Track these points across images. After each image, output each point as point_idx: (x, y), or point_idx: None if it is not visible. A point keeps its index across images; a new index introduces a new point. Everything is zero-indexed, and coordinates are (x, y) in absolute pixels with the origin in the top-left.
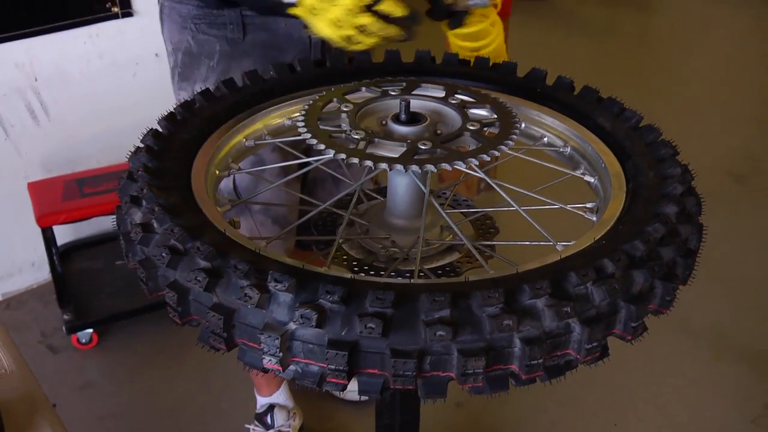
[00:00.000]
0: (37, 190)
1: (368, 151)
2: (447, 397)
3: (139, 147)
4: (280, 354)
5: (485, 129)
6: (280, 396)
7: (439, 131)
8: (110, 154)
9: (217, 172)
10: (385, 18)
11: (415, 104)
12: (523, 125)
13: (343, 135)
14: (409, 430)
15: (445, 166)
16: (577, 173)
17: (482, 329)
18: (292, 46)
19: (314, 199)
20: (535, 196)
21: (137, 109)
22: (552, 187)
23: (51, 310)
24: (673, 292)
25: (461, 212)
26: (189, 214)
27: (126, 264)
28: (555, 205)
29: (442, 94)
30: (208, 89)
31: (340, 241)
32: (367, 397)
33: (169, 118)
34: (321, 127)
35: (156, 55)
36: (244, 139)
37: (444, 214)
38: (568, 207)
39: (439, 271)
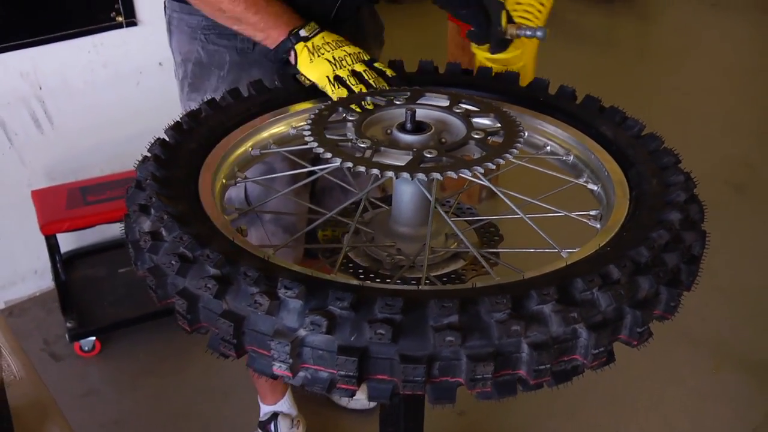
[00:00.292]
0: (40, 198)
1: (374, 159)
2: (453, 403)
3: (146, 156)
4: (290, 360)
5: (489, 138)
6: (284, 404)
7: (443, 140)
8: (113, 162)
9: (224, 180)
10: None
11: (420, 113)
12: (526, 134)
13: (349, 144)
14: None
15: (451, 174)
16: (580, 181)
17: (490, 335)
18: None
19: (322, 208)
20: (538, 203)
21: (141, 118)
22: (554, 195)
23: (54, 318)
24: (677, 298)
25: (465, 220)
26: (197, 223)
27: (134, 272)
28: (559, 212)
29: (446, 103)
30: (213, 99)
31: (347, 249)
32: (370, 406)
33: (175, 128)
34: (327, 136)
35: (160, 64)
36: (250, 148)
37: (450, 222)
38: (573, 215)
39: (445, 279)
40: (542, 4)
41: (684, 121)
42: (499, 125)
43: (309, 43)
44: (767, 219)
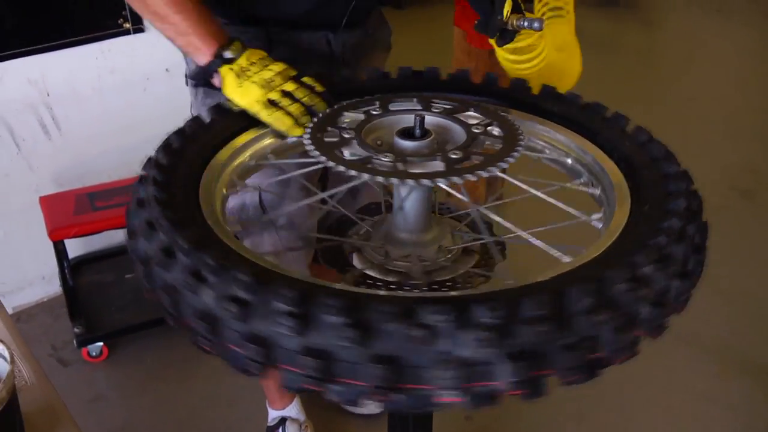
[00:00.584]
0: (48, 204)
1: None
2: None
3: (143, 176)
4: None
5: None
6: (293, 409)
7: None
8: (121, 168)
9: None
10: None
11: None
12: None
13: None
14: None
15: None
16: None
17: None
18: (314, 60)
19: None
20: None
21: (148, 124)
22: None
23: (61, 324)
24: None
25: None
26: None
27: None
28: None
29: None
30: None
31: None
32: (377, 411)
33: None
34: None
35: (167, 70)
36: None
37: (498, 215)
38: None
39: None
40: None
41: (689, 127)
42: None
43: (235, 65)
44: None
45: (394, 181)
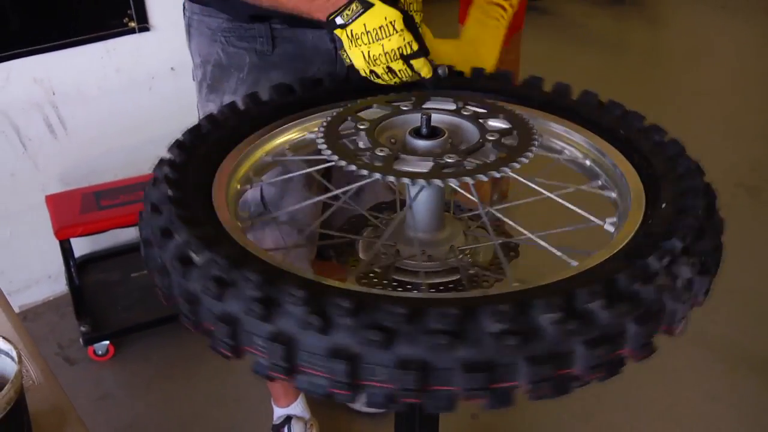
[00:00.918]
0: (54, 202)
1: (395, 167)
2: (460, 409)
3: (156, 178)
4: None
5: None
6: (298, 407)
7: (458, 144)
8: (127, 167)
9: (238, 186)
10: (413, 69)
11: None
12: (541, 138)
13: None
14: None
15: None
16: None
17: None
18: (318, 57)
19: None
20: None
21: (153, 123)
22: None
23: (67, 322)
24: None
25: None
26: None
27: (148, 277)
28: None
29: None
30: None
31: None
32: (383, 409)
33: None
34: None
35: (172, 69)
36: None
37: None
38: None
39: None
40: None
41: (695, 124)
42: (511, 126)
43: (347, 30)
44: None
45: (406, 181)
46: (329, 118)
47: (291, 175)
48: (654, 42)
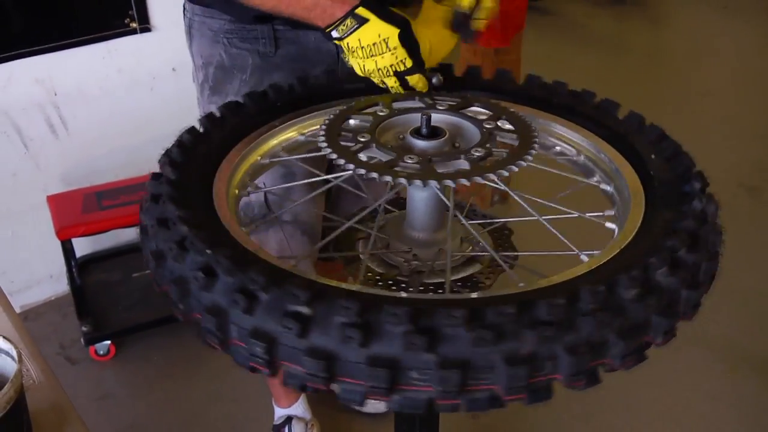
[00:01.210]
0: (56, 202)
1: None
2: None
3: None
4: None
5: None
6: (299, 408)
7: (457, 144)
8: (128, 167)
9: (237, 191)
10: (407, 85)
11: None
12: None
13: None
14: None
15: (463, 181)
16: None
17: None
18: (320, 58)
19: (338, 209)
20: (553, 205)
21: (155, 123)
22: (567, 197)
23: (69, 322)
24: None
25: (479, 223)
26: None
27: (149, 276)
28: (573, 214)
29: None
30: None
31: (366, 259)
32: (383, 410)
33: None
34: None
35: (173, 69)
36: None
37: (471, 230)
38: (587, 215)
39: (460, 283)
40: None
41: (696, 124)
42: (513, 128)
43: (344, 43)
44: None
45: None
46: (332, 116)
47: (296, 181)
48: (655, 42)
